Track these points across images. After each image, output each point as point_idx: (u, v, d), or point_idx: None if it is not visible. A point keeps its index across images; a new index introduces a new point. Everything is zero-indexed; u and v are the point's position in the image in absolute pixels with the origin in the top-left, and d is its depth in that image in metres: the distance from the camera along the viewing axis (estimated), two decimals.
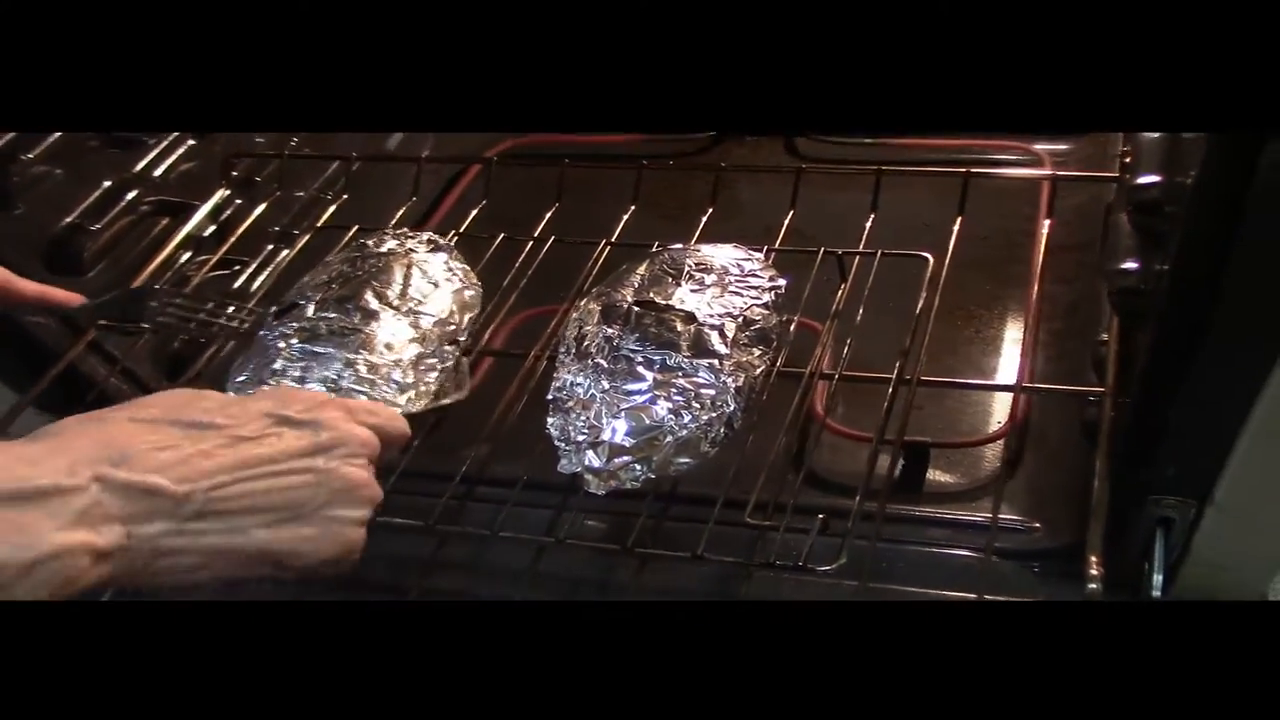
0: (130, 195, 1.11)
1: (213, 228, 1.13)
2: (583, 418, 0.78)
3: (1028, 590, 0.84)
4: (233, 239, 1.09)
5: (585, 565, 0.83)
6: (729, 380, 0.78)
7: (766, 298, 0.86)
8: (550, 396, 0.81)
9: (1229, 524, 0.75)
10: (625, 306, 0.85)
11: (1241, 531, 0.75)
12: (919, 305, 0.86)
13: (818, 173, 1.07)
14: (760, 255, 0.92)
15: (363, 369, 0.84)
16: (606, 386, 0.79)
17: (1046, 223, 0.95)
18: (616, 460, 0.75)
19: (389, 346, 0.86)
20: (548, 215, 1.03)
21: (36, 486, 0.49)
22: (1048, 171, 1.00)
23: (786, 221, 0.97)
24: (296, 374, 0.84)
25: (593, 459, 0.75)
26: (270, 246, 1.11)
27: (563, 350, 0.85)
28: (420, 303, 0.91)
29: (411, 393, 0.84)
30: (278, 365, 0.85)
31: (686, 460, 0.76)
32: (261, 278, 1.07)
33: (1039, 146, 1.31)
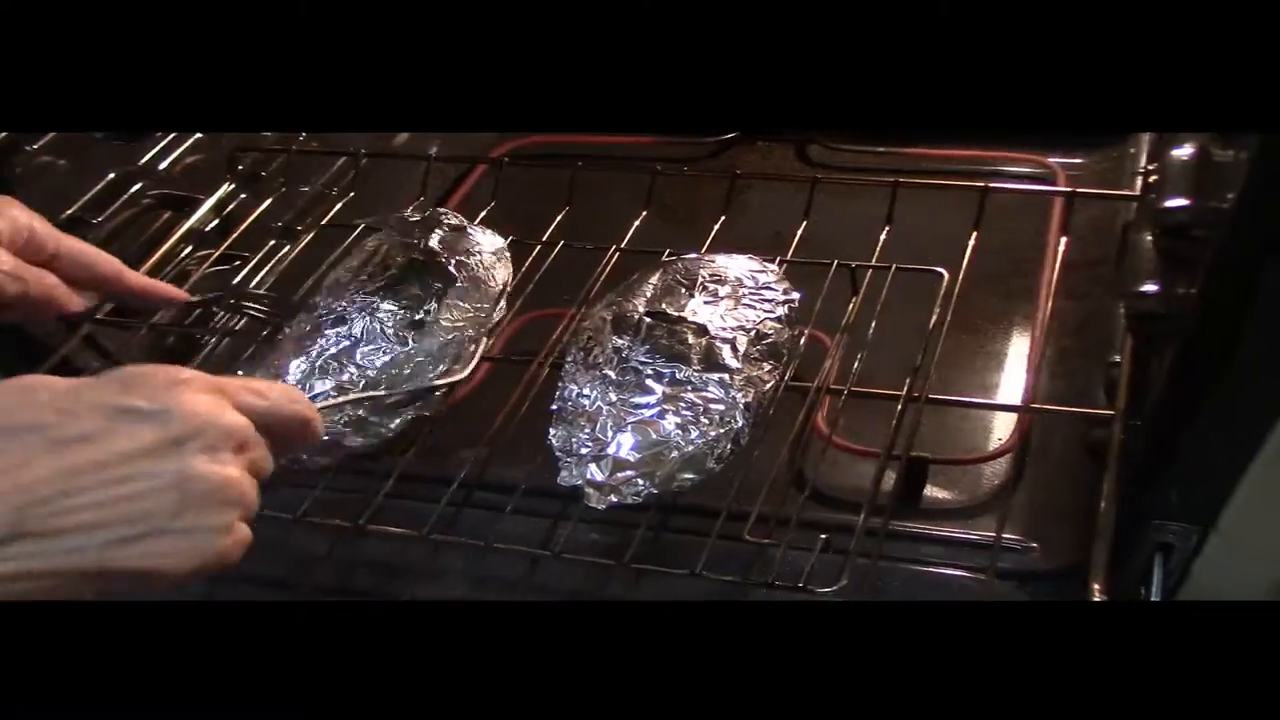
0: (134, 188, 1.10)
1: (216, 222, 1.12)
2: (587, 430, 0.77)
3: None
4: (235, 234, 1.08)
5: (581, 577, 0.82)
6: (739, 396, 0.77)
7: (780, 311, 0.85)
8: (554, 407, 0.80)
9: (1232, 551, 0.74)
10: (637, 317, 0.84)
11: (1244, 558, 0.75)
12: (931, 320, 0.85)
13: (832, 182, 1.06)
14: (775, 267, 0.91)
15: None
16: (614, 399, 0.78)
17: (1063, 240, 0.94)
18: (619, 475, 0.74)
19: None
20: (558, 218, 1.02)
21: None
22: (1067, 188, 0.98)
23: (800, 232, 0.96)
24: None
25: (594, 473, 0.74)
26: (273, 242, 1.09)
27: (569, 360, 0.84)
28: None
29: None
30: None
31: (691, 476, 0.74)
32: (262, 274, 1.06)
33: (1053, 160, 1.29)
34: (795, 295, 0.87)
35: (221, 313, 0.94)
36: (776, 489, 0.77)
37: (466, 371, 0.84)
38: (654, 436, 0.75)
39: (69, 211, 1.03)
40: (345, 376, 0.82)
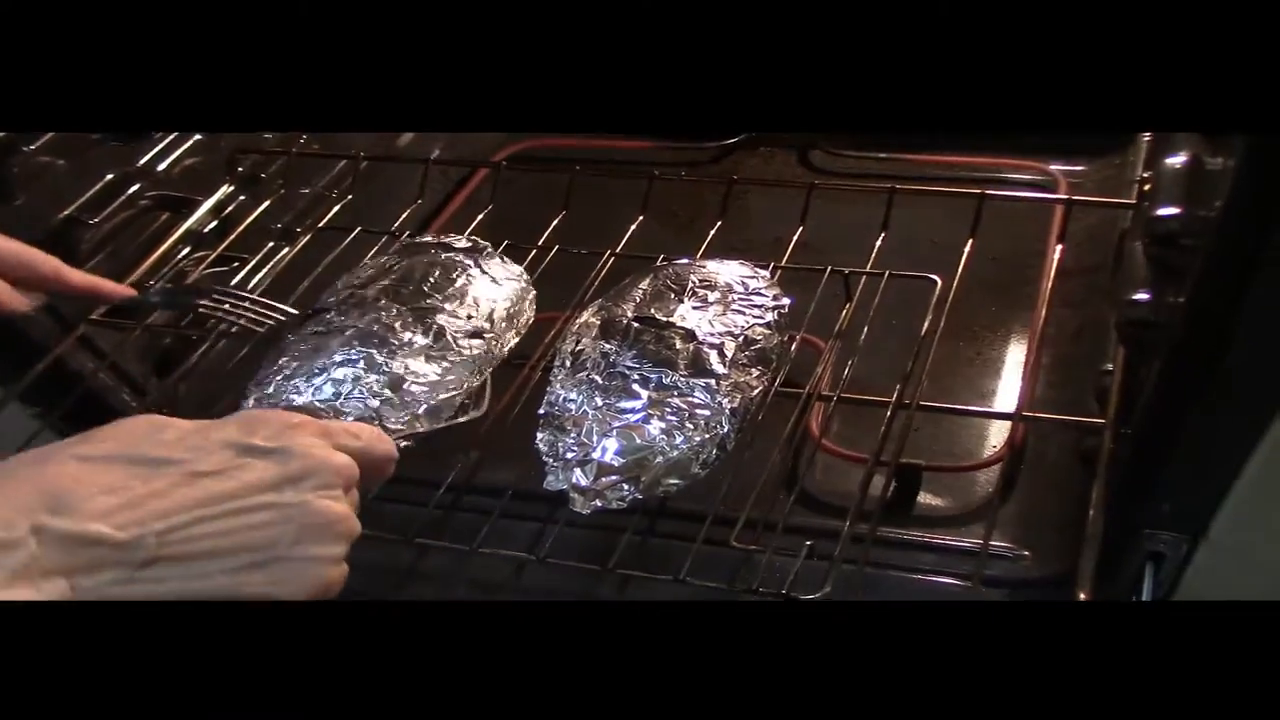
0: (132, 189, 1.10)
1: (214, 223, 1.12)
2: (573, 434, 0.77)
3: None
4: (233, 236, 1.08)
5: (567, 581, 0.82)
6: (724, 401, 0.77)
7: (769, 317, 0.85)
8: (542, 411, 0.80)
9: (1222, 560, 0.74)
10: (625, 322, 0.84)
11: (1234, 568, 0.75)
12: (924, 327, 0.85)
13: (829, 188, 1.06)
14: (766, 273, 0.91)
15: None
16: (600, 404, 0.78)
17: (1058, 248, 0.93)
18: (604, 479, 0.74)
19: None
20: (554, 222, 1.02)
21: None
22: (1063, 195, 0.98)
23: (796, 237, 0.96)
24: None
25: (579, 477, 0.74)
26: (271, 244, 1.10)
27: (557, 364, 0.84)
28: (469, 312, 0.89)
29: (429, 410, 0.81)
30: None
31: (676, 481, 0.74)
32: (259, 276, 1.06)
33: (1055, 167, 1.29)
34: (785, 301, 0.87)
35: (218, 314, 0.94)
36: (764, 494, 0.77)
37: (483, 408, 0.83)
38: (639, 441, 0.75)
39: (66, 212, 1.03)
40: (349, 389, 0.82)
